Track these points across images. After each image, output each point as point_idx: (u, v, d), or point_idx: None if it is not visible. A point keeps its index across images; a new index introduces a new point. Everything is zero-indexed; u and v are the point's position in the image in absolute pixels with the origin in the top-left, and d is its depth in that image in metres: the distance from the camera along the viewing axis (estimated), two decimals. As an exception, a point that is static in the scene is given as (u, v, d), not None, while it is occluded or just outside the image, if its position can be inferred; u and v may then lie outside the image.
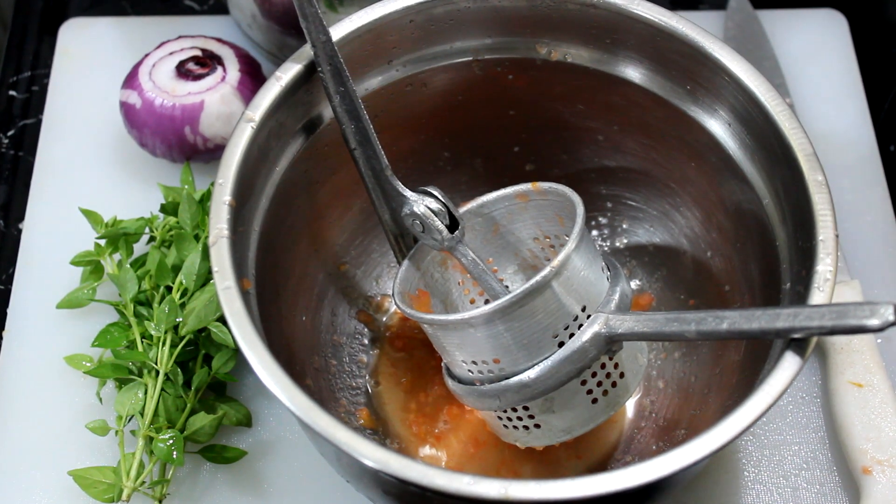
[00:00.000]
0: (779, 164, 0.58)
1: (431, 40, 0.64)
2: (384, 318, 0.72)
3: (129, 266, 0.72)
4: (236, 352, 0.68)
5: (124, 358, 0.68)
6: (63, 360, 0.71)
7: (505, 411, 0.60)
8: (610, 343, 0.57)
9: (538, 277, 0.55)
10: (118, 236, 0.73)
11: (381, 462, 0.49)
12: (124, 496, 0.64)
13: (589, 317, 0.57)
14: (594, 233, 0.73)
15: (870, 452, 0.65)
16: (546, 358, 0.57)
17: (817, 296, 0.53)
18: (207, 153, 0.77)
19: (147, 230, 0.74)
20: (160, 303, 0.69)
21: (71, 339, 0.73)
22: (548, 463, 0.67)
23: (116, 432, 0.67)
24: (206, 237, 0.70)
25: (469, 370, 0.60)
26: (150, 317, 0.69)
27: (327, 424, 0.49)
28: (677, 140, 0.65)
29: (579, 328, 0.57)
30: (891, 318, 0.47)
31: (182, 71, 0.77)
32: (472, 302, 0.68)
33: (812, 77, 0.85)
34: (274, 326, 0.59)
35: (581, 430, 0.60)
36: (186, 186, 0.75)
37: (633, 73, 0.64)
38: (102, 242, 0.73)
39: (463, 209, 0.65)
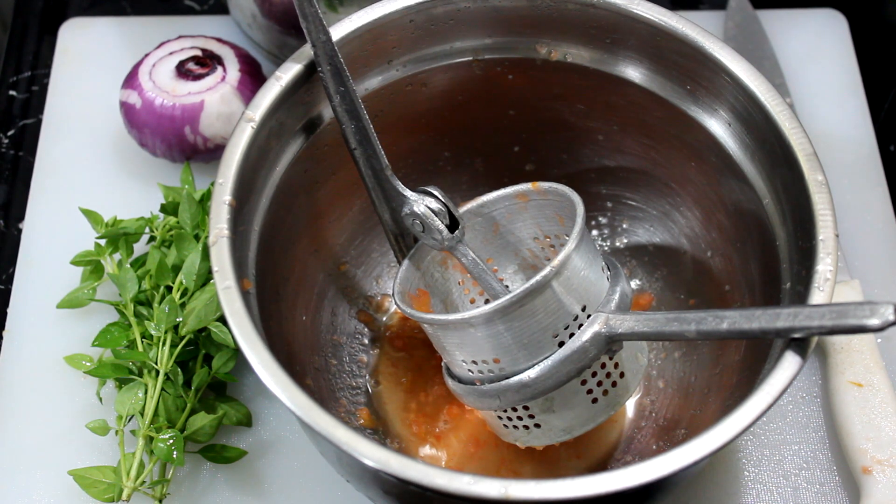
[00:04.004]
0: (779, 164, 0.58)
1: (431, 40, 0.64)
2: (384, 318, 0.72)
3: (129, 266, 0.72)
4: (236, 352, 0.68)
5: (124, 358, 0.68)
6: (63, 360, 0.71)
7: (505, 411, 0.60)
8: (610, 343, 0.57)
9: (538, 277, 0.55)
10: (118, 236, 0.73)
11: (381, 462, 0.49)
12: (124, 496, 0.64)
13: (589, 316, 0.57)
14: (594, 232, 0.73)
15: (870, 452, 0.65)
16: (546, 358, 0.57)
17: (817, 295, 0.53)
18: (207, 153, 0.77)
19: (147, 230, 0.74)
20: (160, 303, 0.69)
21: (71, 339, 0.73)
22: (548, 463, 0.67)
23: (116, 432, 0.67)
24: (206, 237, 0.70)
25: (469, 370, 0.60)
26: (150, 317, 0.69)
27: (327, 424, 0.49)
28: (677, 140, 0.65)
29: (579, 328, 0.57)
30: (891, 317, 0.47)
31: (182, 71, 0.77)
32: (473, 302, 0.68)
33: (812, 77, 0.85)
34: (274, 326, 0.59)
35: (581, 430, 0.60)
36: (186, 186, 0.75)
37: (633, 73, 0.64)
38: (102, 242, 0.73)
39: (463, 209, 0.65)
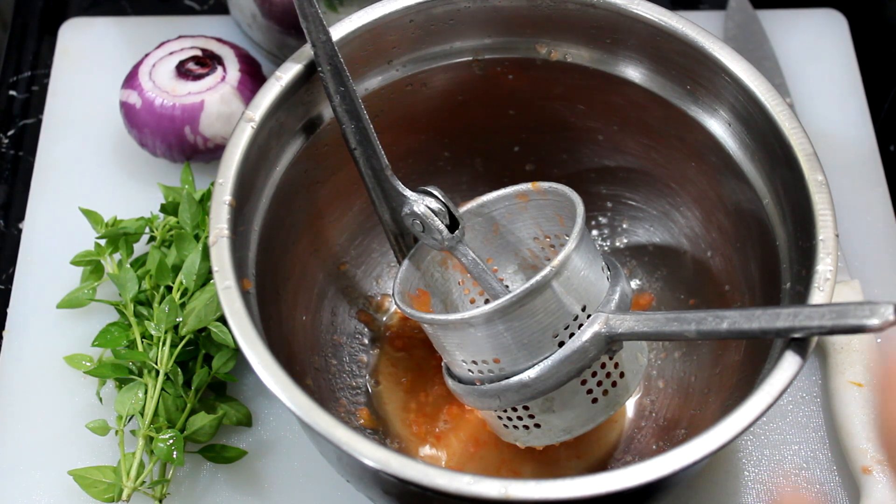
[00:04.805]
0: (779, 164, 0.58)
1: (431, 40, 0.64)
2: (384, 318, 0.72)
3: (129, 266, 0.72)
4: (236, 352, 0.68)
5: (124, 358, 0.68)
6: (63, 360, 0.71)
7: (505, 411, 0.60)
8: (610, 343, 0.57)
9: (538, 277, 0.55)
10: (118, 236, 0.73)
11: (381, 462, 0.49)
12: (124, 496, 0.64)
13: (589, 316, 0.57)
14: (594, 233, 0.73)
15: (870, 452, 0.65)
16: (546, 358, 0.57)
17: (817, 295, 0.53)
18: (207, 153, 0.77)
19: (147, 230, 0.74)
20: (160, 303, 0.69)
21: (71, 339, 0.73)
22: (548, 463, 0.67)
23: (116, 432, 0.67)
24: (206, 237, 0.70)
25: (469, 370, 0.60)
26: (150, 317, 0.69)
27: (327, 424, 0.49)
28: (677, 140, 0.65)
29: (579, 328, 0.57)
30: (891, 317, 0.47)
31: (182, 71, 0.77)
32: (473, 302, 0.68)
33: (812, 77, 0.85)
34: (274, 326, 0.59)
35: (581, 430, 0.60)
36: (186, 186, 0.75)
37: (633, 73, 0.64)
38: (102, 242, 0.73)
39: (463, 209, 0.65)
